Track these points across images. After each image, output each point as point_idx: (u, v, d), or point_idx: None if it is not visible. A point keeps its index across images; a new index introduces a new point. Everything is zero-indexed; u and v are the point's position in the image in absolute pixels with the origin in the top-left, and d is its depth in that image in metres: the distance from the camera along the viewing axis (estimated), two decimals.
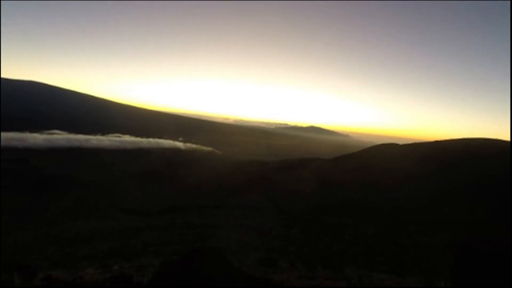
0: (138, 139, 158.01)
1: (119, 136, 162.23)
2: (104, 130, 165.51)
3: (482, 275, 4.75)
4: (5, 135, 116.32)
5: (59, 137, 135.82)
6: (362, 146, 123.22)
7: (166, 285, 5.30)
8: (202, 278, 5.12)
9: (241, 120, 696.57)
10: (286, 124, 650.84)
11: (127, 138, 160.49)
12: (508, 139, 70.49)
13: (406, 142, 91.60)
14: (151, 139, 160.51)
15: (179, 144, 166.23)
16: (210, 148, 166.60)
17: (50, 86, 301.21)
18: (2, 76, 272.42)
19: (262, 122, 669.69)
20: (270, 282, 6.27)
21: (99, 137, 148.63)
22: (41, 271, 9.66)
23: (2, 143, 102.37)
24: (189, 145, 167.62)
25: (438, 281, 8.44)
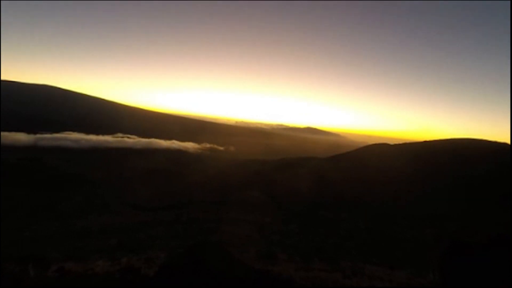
0: (146, 139, 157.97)
1: (128, 137, 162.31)
2: (113, 131, 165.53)
3: (468, 266, 4.78)
4: (20, 135, 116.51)
5: (72, 137, 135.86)
6: (356, 146, 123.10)
7: (172, 277, 5.31)
8: (206, 269, 5.13)
9: (242, 121, 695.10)
10: (284, 125, 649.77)
11: (135, 138, 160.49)
12: (490, 139, 70.57)
13: (397, 142, 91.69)
14: (157, 139, 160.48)
15: (184, 144, 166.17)
16: (213, 148, 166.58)
17: (63, 89, 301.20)
18: (17, 80, 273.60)
19: (262, 123, 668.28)
20: (269, 274, 6.28)
21: (109, 137, 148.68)
22: (54, 263, 9.67)
23: (17, 143, 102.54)
24: (193, 144, 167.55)
25: (426, 272, 8.45)
